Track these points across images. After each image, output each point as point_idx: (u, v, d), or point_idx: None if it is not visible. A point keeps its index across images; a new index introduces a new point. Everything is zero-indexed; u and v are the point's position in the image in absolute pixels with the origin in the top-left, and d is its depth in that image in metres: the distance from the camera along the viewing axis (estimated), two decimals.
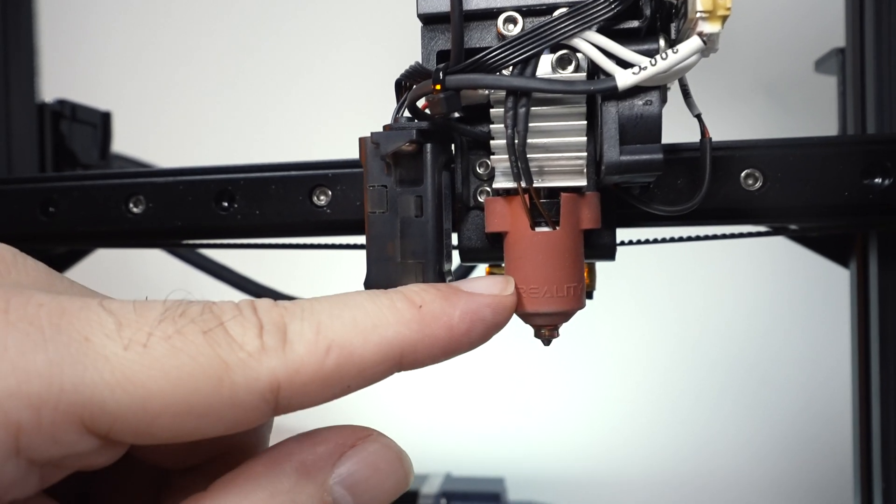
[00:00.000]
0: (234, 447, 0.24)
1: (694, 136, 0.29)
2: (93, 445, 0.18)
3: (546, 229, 0.26)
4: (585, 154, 0.26)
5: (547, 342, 0.28)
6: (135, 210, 0.36)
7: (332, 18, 0.85)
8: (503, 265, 0.34)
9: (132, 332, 0.18)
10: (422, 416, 0.84)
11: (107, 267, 0.66)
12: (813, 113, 0.65)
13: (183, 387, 0.18)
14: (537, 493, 0.78)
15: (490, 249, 0.30)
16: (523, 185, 0.25)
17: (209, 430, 0.19)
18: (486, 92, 0.26)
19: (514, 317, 0.29)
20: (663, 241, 0.35)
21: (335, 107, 0.84)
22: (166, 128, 0.88)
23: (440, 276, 0.27)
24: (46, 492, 0.20)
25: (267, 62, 0.86)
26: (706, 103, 0.29)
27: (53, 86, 0.58)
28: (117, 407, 0.17)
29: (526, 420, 0.82)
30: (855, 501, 0.41)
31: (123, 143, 0.63)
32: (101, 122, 0.57)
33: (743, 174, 0.31)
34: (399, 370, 0.21)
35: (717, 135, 0.30)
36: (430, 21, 0.27)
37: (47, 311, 0.18)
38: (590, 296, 0.34)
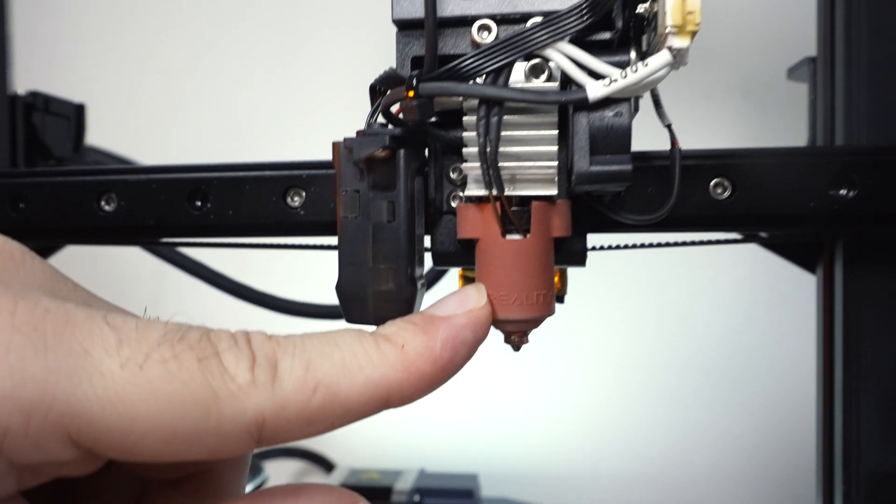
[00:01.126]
0: (214, 466, 0.24)
1: (663, 142, 0.30)
2: (75, 456, 0.18)
3: (517, 237, 0.26)
4: (556, 163, 0.26)
5: (516, 348, 0.28)
6: (106, 208, 0.36)
7: (310, 20, 0.84)
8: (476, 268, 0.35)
9: (131, 351, 0.18)
10: (396, 412, 0.84)
11: (80, 259, 0.65)
12: (785, 119, 0.66)
13: (172, 412, 0.18)
14: (511, 489, 0.79)
15: (462, 254, 0.30)
16: (495, 192, 0.25)
17: (191, 454, 0.19)
18: (460, 98, 0.27)
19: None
20: (634, 247, 0.36)
21: (311, 107, 0.83)
22: (141, 121, 0.87)
23: (411, 281, 0.27)
24: (24, 494, 0.20)
25: (243, 60, 0.86)
26: (681, 108, 0.30)
27: (26, 77, 0.57)
28: (105, 423, 0.18)
29: (500, 417, 0.83)
30: (816, 498, 0.42)
31: (97, 135, 0.62)
32: (74, 115, 0.57)
33: (712, 183, 0.31)
34: (388, 408, 0.22)
35: (691, 140, 0.31)
36: (404, 26, 0.27)
37: (53, 318, 0.18)
38: (560, 300, 0.35)
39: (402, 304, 0.27)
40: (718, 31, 0.70)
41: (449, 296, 0.25)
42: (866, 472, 0.37)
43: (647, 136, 0.32)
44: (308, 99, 0.84)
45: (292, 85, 0.84)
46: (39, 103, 0.53)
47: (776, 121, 0.68)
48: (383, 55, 0.30)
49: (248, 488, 0.83)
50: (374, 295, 0.27)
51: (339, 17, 0.83)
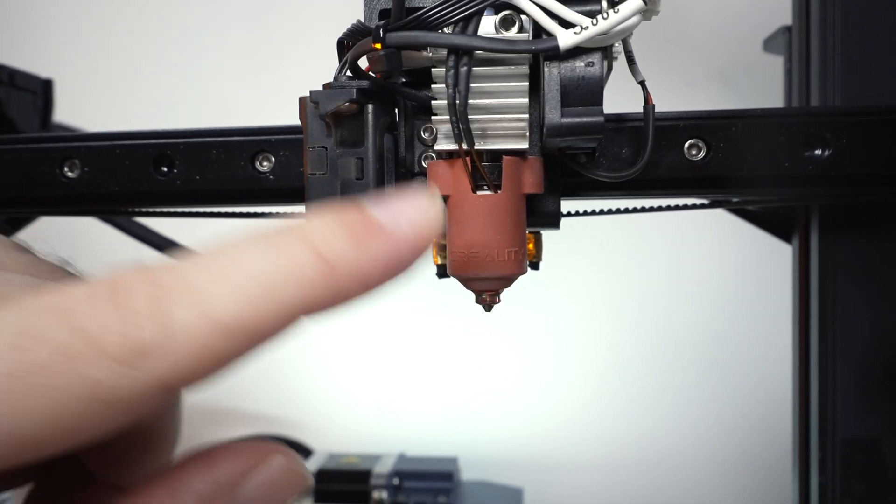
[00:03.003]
0: (146, 434, 0.22)
1: (640, 106, 0.29)
2: None
3: (488, 193, 0.26)
4: (527, 116, 0.25)
5: (488, 308, 0.28)
6: (70, 175, 0.35)
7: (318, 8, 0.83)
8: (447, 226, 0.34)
9: None
10: (375, 397, 0.84)
11: (49, 237, 0.64)
12: (761, 92, 0.66)
13: (52, 418, 0.15)
14: (490, 473, 0.79)
15: None
16: (465, 146, 0.25)
17: (95, 434, 0.16)
18: (430, 53, 0.26)
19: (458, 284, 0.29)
20: (608, 212, 0.35)
21: (279, 70, 0.82)
22: (110, 97, 0.85)
23: None
24: None
25: (209, 26, 0.84)
26: (657, 84, 0.29)
27: None
28: None
29: (480, 401, 0.82)
30: (793, 473, 0.42)
31: (66, 112, 0.61)
32: (41, 90, 0.55)
33: (687, 144, 0.31)
34: (300, 322, 0.18)
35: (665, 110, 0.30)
36: None
37: None
38: (535, 266, 0.34)
39: None
40: (694, 6, 0.70)
41: (397, 197, 0.20)
42: (841, 439, 0.37)
43: (622, 101, 0.31)
44: (278, 62, 0.82)
45: (262, 50, 0.83)
46: (4, 76, 0.52)
47: (752, 95, 0.68)
48: (352, 12, 0.29)
49: None
50: None
51: (335, 18, 0.82)
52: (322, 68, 0.35)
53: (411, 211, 0.19)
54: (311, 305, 0.17)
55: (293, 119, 0.33)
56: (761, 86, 0.66)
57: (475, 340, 0.80)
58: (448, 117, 0.25)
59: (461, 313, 0.76)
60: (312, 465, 0.75)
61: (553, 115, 0.24)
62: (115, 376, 0.16)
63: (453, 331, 0.80)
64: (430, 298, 0.76)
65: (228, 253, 0.17)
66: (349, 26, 0.26)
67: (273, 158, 0.33)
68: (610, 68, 0.28)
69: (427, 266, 0.39)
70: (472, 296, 0.28)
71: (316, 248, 0.18)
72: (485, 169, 0.26)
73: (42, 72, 0.57)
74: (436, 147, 0.26)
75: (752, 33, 0.54)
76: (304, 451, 0.84)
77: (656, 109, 0.28)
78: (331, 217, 0.18)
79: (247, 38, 0.84)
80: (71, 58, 0.86)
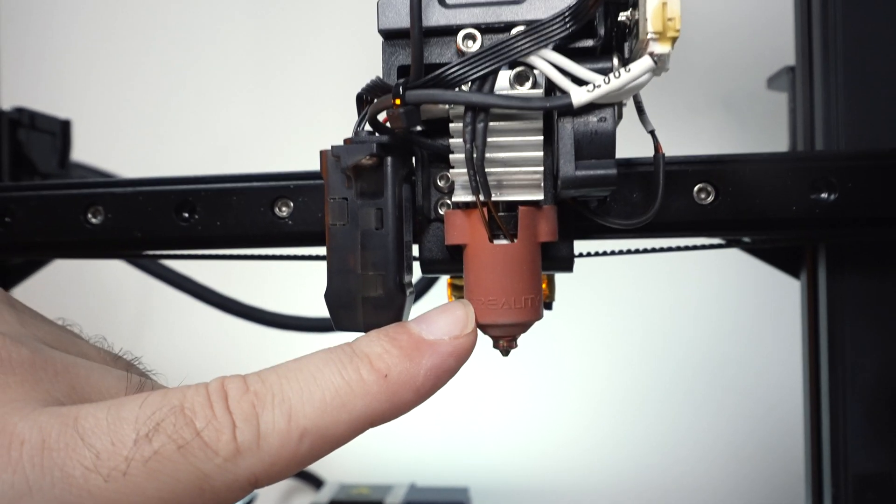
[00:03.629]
0: None
1: (649, 150, 0.30)
2: None
3: (504, 242, 0.26)
4: (542, 168, 0.26)
5: (505, 353, 0.28)
6: (93, 220, 0.36)
7: (295, 32, 0.85)
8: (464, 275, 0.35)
9: (111, 461, 0.19)
10: (386, 426, 0.84)
11: (66, 273, 0.65)
12: (765, 128, 0.67)
13: (163, 501, 0.19)
14: (502, 502, 0.79)
15: (450, 261, 0.30)
16: (482, 198, 0.26)
17: None
18: (446, 106, 0.27)
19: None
20: (619, 253, 0.36)
21: (298, 118, 0.83)
22: (127, 136, 0.87)
23: (400, 288, 0.27)
24: None
25: (228, 73, 0.86)
26: (662, 118, 0.30)
27: (11, 94, 0.57)
28: None
29: (490, 430, 0.82)
30: (806, 501, 0.42)
31: (83, 151, 0.62)
32: (60, 131, 0.57)
33: (696, 188, 0.32)
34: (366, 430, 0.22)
35: (672, 149, 0.31)
36: (390, 36, 0.28)
37: (28, 450, 0.18)
38: (549, 307, 0.35)
39: (391, 310, 0.27)
40: (698, 43, 0.71)
41: (436, 313, 0.24)
42: (854, 475, 0.38)
43: (630, 146, 0.32)
44: (295, 111, 0.84)
45: (279, 98, 0.85)
46: (25, 119, 0.53)
47: (756, 131, 0.69)
48: (369, 66, 0.30)
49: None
50: (363, 302, 0.27)
51: (324, 29, 0.83)
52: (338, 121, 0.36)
53: (450, 323, 0.24)
54: (375, 416, 0.22)
55: (310, 163, 0.34)
56: (765, 122, 0.67)
57: (486, 370, 0.80)
58: (465, 170, 0.25)
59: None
60: (324, 496, 0.75)
61: (567, 168, 0.25)
62: (219, 471, 0.19)
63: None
64: None
65: (312, 369, 0.21)
66: (368, 82, 0.27)
67: (292, 204, 0.34)
68: (620, 117, 0.29)
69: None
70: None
71: (377, 368, 0.22)
72: (501, 219, 0.26)
73: (57, 108, 0.59)
74: (454, 198, 0.27)
75: (755, 71, 0.55)
76: (316, 482, 0.84)
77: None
78: (385, 338, 0.23)
79: (264, 79, 0.86)
80: (87, 96, 0.88)
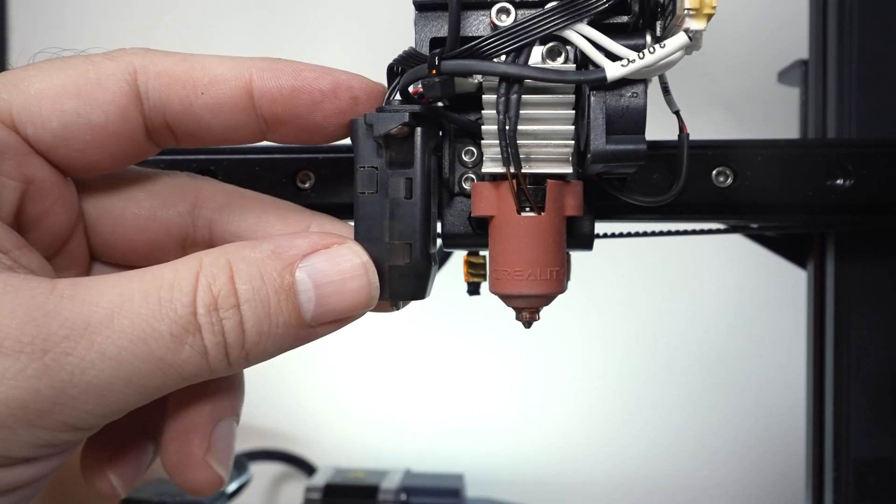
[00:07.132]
0: None
1: (667, 136, 0.31)
2: None
3: (532, 214, 0.27)
4: (573, 142, 0.27)
5: (528, 325, 0.29)
6: None
7: (301, 26, 0.84)
8: (482, 253, 0.35)
9: None
10: (382, 412, 0.84)
11: None
12: (774, 122, 0.68)
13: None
14: (496, 490, 0.79)
15: (473, 235, 0.30)
16: (512, 170, 0.26)
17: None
18: (477, 80, 0.27)
19: (496, 300, 0.30)
20: (625, 235, 0.37)
21: None
22: None
23: (427, 257, 0.27)
24: None
25: (254, 43, 0.85)
26: (668, 111, 0.31)
27: None
28: None
29: (486, 417, 0.83)
30: (807, 492, 0.43)
31: None
32: None
33: (715, 171, 0.32)
34: None
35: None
36: (424, 8, 0.28)
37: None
38: None
39: (417, 279, 0.27)
40: (709, 37, 0.72)
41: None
42: (856, 459, 0.38)
43: (650, 127, 0.33)
44: None
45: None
46: None
47: (764, 125, 0.70)
48: (394, 39, 0.31)
49: (233, 486, 0.81)
50: (389, 270, 0.27)
51: (329, 23, 0.83)
52: None
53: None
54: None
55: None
56: (775, 117, 0.68)
57: (482, 357, 0.81)
58: (496, 141, 0.26)
59: (468, 330, 0.77)
60: (319, 479, 0.76)
61: (598, 142, 0.26)
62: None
63: (460, 347, 0.81)
64: (436, 314, 0.77)
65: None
66: (401, 52, 0.28)
67: (314, 176, 0.35)
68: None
69: (455, 284, 0.40)
70: (479, 314, 0.29)
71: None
72: (530, 191, 0.27)
73: None
74: (483, 169, 0.27)
75: (766, 65, 0.55)
76: (308, 468, 0.84)
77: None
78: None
79: (293, 53, 0.85)
80: None
